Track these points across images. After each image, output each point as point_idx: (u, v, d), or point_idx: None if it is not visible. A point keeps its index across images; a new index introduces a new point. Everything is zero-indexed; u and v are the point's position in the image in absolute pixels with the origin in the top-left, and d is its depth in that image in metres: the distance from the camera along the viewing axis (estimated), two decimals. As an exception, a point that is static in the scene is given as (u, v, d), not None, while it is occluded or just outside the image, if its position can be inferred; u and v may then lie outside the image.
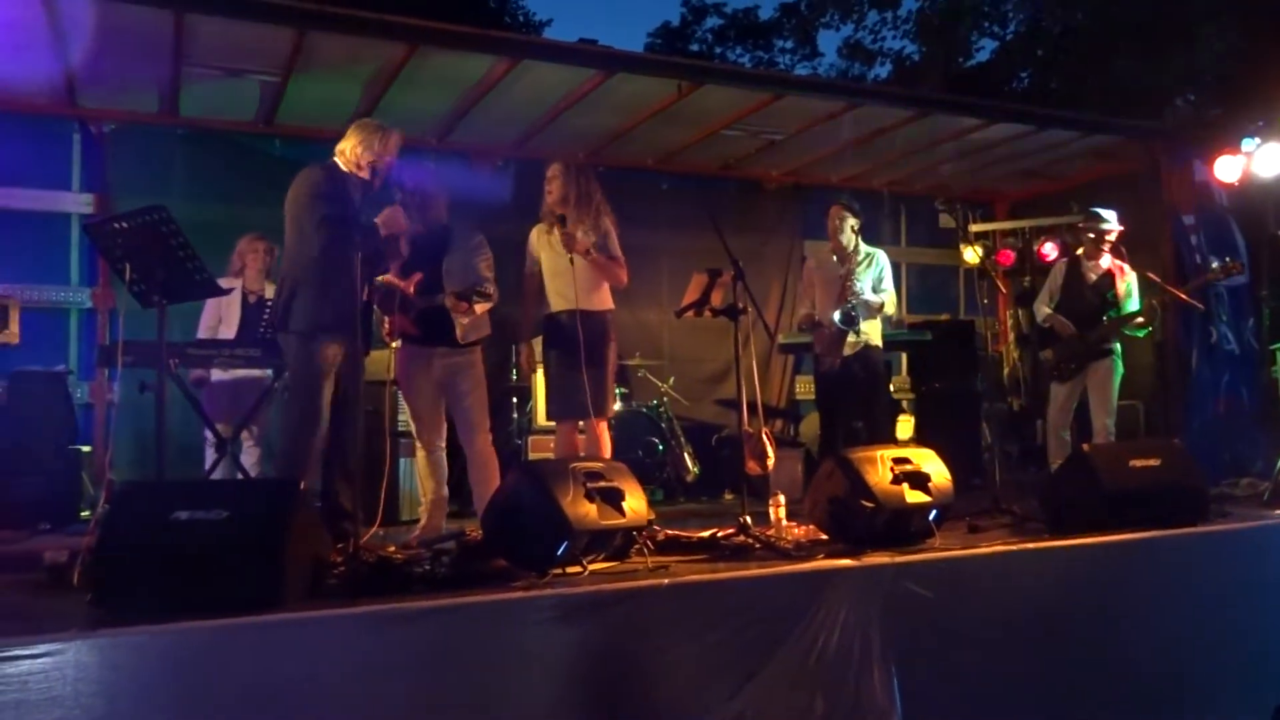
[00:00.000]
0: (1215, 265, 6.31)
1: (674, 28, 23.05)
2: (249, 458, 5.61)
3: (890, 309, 6.02)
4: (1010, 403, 8.80)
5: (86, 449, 5.98)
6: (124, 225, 3.59)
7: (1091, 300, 6.22)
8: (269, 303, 5.29)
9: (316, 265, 4.07)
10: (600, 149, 7.52)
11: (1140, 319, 6.08)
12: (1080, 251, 6.41)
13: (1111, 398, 6.12)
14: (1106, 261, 6.24)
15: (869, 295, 5.88)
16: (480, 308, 4.60)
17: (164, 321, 3.83)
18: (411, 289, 4.45)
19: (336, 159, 4.31)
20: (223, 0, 5.15)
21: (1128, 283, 6.21)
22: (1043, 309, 6.40)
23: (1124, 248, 6.30)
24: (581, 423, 4.91)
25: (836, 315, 5.78)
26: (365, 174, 4.28)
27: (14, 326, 5.51)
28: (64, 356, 6.45)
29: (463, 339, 4.61)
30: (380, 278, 4.49)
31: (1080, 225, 6.42)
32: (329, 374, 4.12)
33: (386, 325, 4.57)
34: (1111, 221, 6.21)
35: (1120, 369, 6.14)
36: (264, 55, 5.77)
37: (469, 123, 6.85)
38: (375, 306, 4.54)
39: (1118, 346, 6.15)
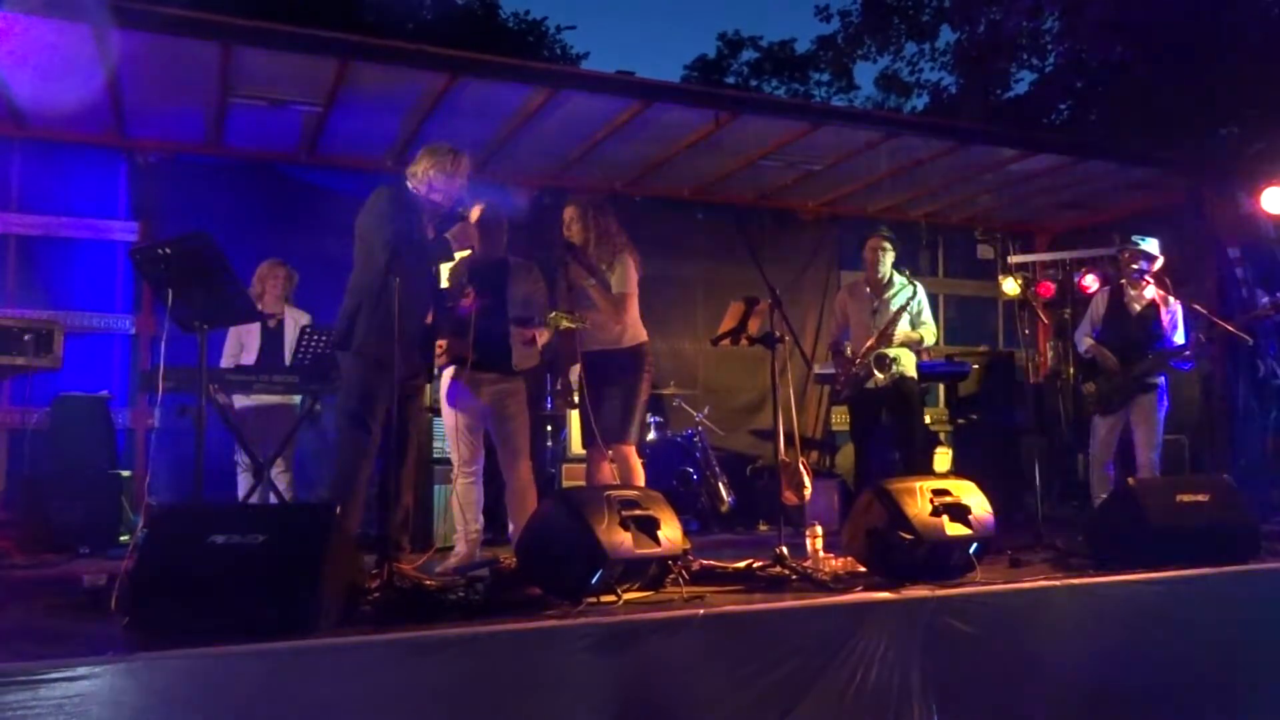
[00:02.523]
0: (1265, 301, 6.15)
1: (710, 60, 23.23)
2: (279, 483, 5.65)
3: (930, 340, 5.98)
4: (1051, 436, 8.66)
5: (126, 474, 6.05)
6: (167, 251, 3.64)
7: (1135, 332, 6.05)
8: (307, 329, 5.33)
9: (381, 285, 4.01)
10: (637, 179, 7.55)
11: (1187, 353, 5.95)
12: (1123, 281, 6.27)
13: (1156, 432, 5.97)
14: (1150, 292, 6.09)
15: (907, 329, 5.84)
16: (543, 335, 4.63)
17: (205, 347, 3.87)
18: (471, 303, 4.49)
19: (408, 181, 4.31)
20: (268, 32, 5.26)
21: (1173, 314, 6.08)
22: (1085, 339, 6.25)
23: (1168, 279, 6.16)
24: (611, 450, 4.89)
25: (872, 361, 5.75)
26: (437, 196, 4.28)
27: (58, 351, 5.59)
28: (107, 382, 6.53)
29: (518, 365, 4.64)
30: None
31: (1122, 254, 6.28)
32: (385, 396, 4.05)
33: (438, 350, 4.58)
34: (1153, 249, 6.09)
35: (1165, 403, 6.01)
36: (307, 86, 5.87)
37: (506, 153, 6.91)
38: (439, 333, 4.56)
39: (1162, 380, 6.02)
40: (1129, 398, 6.00)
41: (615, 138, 6.70)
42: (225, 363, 5.63)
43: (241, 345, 5.69)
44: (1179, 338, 6.01)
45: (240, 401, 5.57)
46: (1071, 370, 8.11)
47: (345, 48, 5.48)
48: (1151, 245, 6.08)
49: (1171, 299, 6.09)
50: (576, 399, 4.92)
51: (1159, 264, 6.08)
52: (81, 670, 2.46)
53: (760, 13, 30.45)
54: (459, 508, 4.72)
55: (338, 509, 3.20)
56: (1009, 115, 15.69)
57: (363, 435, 4.09)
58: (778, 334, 4.41)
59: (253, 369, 5.39)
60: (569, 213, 4.86)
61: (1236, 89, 12.51)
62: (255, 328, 5.67)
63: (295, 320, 5.75)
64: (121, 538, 5.60)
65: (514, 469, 4.69)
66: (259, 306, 5.76)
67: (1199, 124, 12.75)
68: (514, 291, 4.68)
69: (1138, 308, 6.10)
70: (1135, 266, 6.08)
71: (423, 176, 4.27)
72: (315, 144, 6.74)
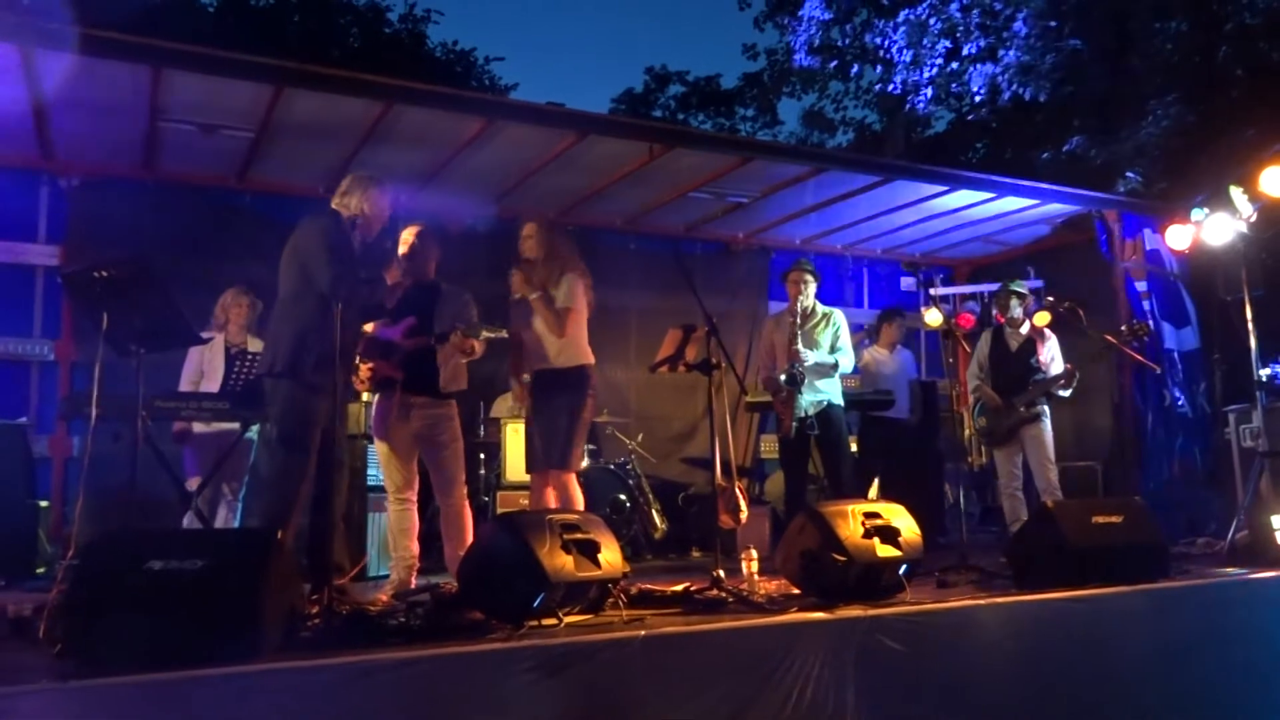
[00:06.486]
0: (1123, 328, 6.54)
1: (637, 94, 23.52)
2: (224, 510, 5.56)
3: (845, 368, 6.11)
4: (971, 463, 8.91)
5: (44, 504, 5.87)
6: (104, 274, 3.59)
7: (1015, 367, 6.52)
8: (253, 355, 5.27)
9: (326, 315, 3.99)
10: (571, 209, 7.61)
11: (1063, 381, 6.32)
12: (1001, 321, 6.71)
13: (1048, 454, 6.36)
14: (1026, 328, 6.56)
15: (824, 356, 5.98)
16: (480, 345, 4.57)
17: (140, 371, 3.82)
18: (400, 334, 4.53)
19: (338, 210, 4.35)
20: (201, 56, 5.18)
21: (1049, 347, 6.53)
22: (972, 380, 6.69)
23: (1063, 310, 6.53)
24: (551, 478, 4.93)
25: (782, 375, 5.90)
26: (366, 225, 4.35)
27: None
28: (23, 410, 6.35)
29: (445, 388, 4.63)
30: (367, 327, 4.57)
31: (996, 298, 6.83)
32: (320, 423, 4.09)
33: (364, 373, 4.56)
34: (1023, 289, 6.62)
35: (1048, 428, 6.38)
36: (240, 111, 5.82)
37: (441, 181, 6.92)
38: (358, 354, 4.55)
39: (1045, 408, 6.39)
40: (1015, 429, 6.35)
41: (550, 168, 6.77)
42: (184, 388, 5.57)
43: (202, 372, 5.59)
44: (1056, 368, 6.42)
45: (198, 427, 5.46)
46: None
47: (278, 74, 5.44)
48: (1021, 286, 6.67)
49: (1048, 332, 6.56)
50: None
51: (1030, 301, 6.62)
52: (12, 700, 2.40)
53: (687, 49, 30.95)
54: (393, 534, 4.71)
55: (279, 534, 3.18)
56: (930, 153, 16.18)
57: (301, 460, 4.07)
58: (714, 360, 4.51)
59: (189, 395, 5.30)
60: (528, 228, 5.00)
61: (1143, 132, 13.12)
62: (219, 354, 5.60)
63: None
64: (38, 569, 5.44)
65: (449, 495, 4.68)
66: (222, 335, 5.69)
67: (1108, 165, 13.32)
68: (440, 315, 4.67)
69: (1014, 345, 6.55)
70: (1017, 305, 6.57)
71: (355, 208, 4.33)
72: (246, 170, 6.68)
